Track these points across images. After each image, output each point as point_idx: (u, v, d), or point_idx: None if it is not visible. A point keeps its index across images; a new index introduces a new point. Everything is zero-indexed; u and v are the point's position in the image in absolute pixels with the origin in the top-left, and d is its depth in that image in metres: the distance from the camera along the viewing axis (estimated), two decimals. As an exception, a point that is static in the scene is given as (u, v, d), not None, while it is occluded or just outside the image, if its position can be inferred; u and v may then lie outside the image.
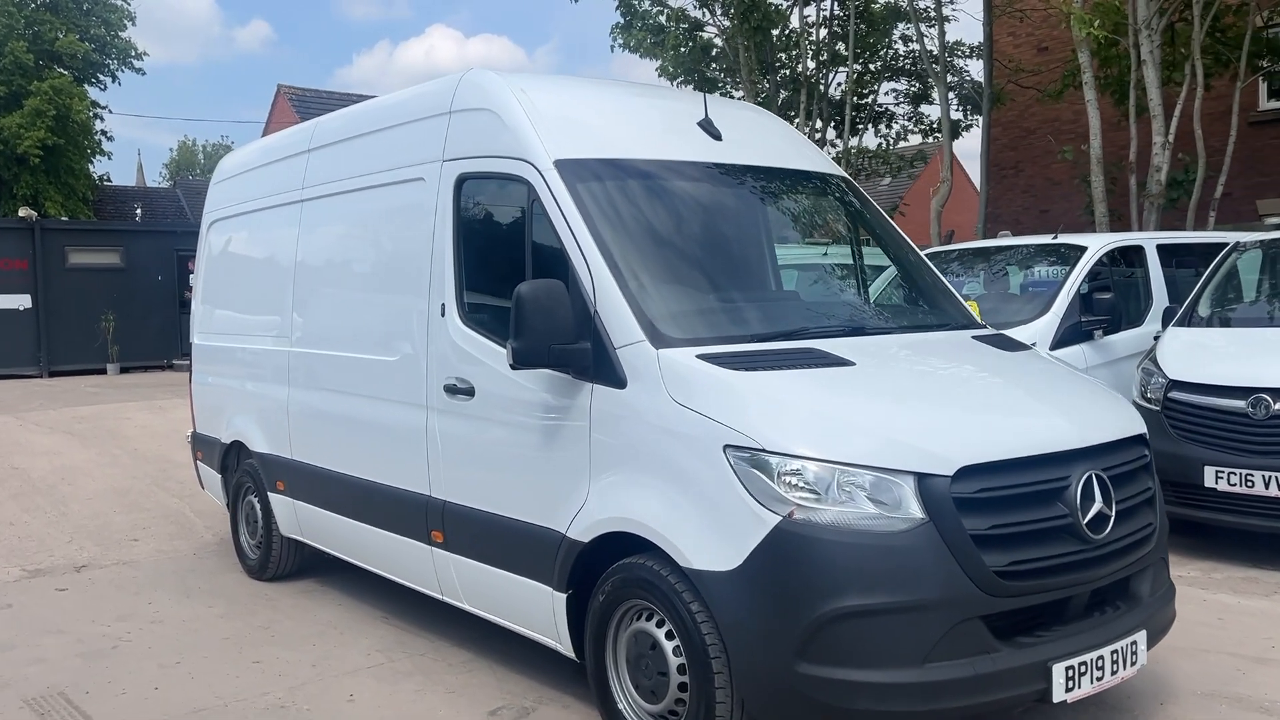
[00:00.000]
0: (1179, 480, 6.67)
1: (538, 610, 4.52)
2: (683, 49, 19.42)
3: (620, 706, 4.18)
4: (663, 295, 4.31)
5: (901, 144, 22.74)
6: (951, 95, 19.08)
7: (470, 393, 4.81)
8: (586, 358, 4.19)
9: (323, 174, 6.30)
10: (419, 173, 5.30)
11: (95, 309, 23.47)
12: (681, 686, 3.90)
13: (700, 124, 5.10)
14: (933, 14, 18.69)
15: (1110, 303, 8.14)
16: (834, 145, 20.96)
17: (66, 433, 14.03)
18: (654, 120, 5.19)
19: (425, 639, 5.65)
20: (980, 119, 19.66)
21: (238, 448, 7.15)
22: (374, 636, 5.75)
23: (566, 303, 4.16)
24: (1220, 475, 6.61)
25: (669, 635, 3.94)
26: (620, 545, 4.09)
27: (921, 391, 4.19)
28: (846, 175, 5.73)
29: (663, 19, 19.78)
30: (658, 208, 4.75)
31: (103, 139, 31.92)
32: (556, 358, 4.20)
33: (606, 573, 4.15)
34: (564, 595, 4.35)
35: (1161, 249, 9.18)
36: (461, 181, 5.04)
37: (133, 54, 31.41)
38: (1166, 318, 8.10)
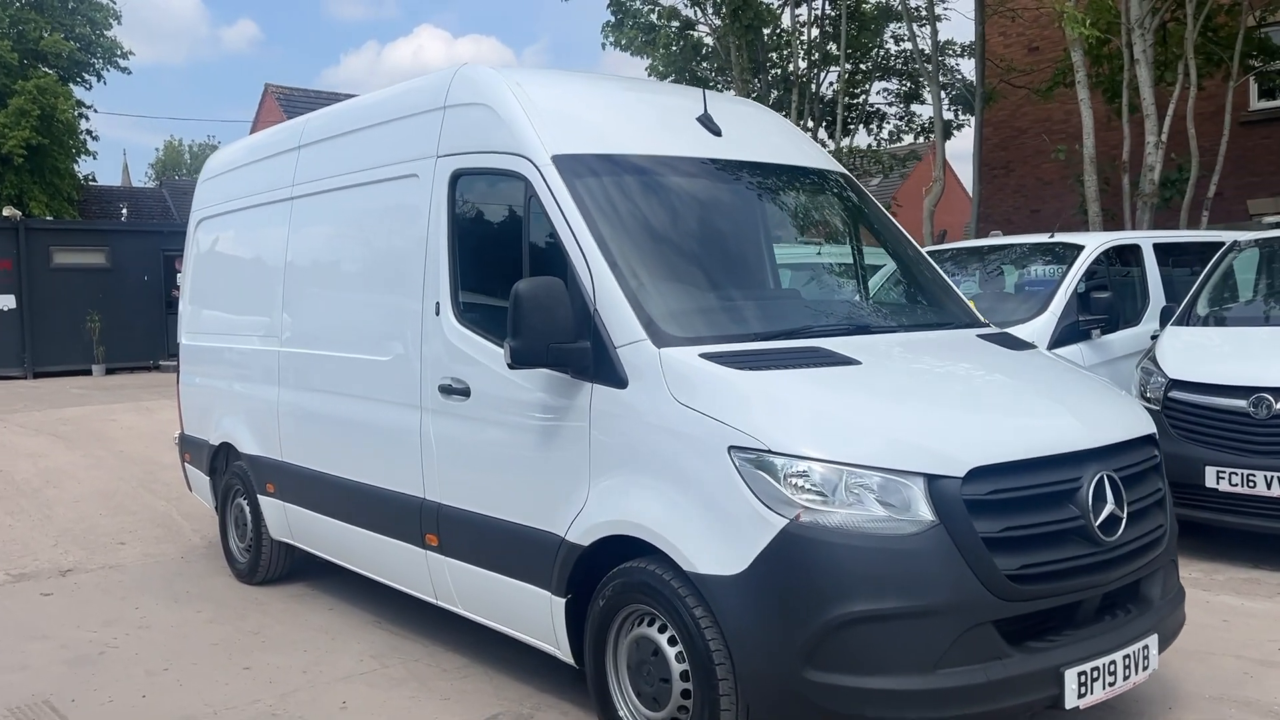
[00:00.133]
0: (1180, 480, 6.54)
1: (535, 615, 4.42)
2: (674, 48, 19.35)
3: (621, 714, 4.08)
4: (664, 293, 4.22)
5: (894, 144, 22.72)
6: (943, 95, 19.04)
7: (466, 393, 4.71)
8: (586, 357, 4.09)
9: (313, 171, 6.19)
10: (412, 169, 5.20)
11: (81, 309, 23.27)
12: (685, 693, 3.81)
13: (699, 119, 5.01)
14: (924, 13, 18.65)
15: (1108, 302, 8.09)
16: (825, 145, 20.90)
17: (51, 434, 13.87)
18: (652, 115, 5.10)
19: (419, 644, 5.55)
20: (971, 119, 19.67)
21: (226, 449, 7.03)
22: (366, 642, 5.64)
23: (566, 301, 4.07)
24: (1222, 475, 6.55)
25: (671, 641, 3.85)
26: (621, 549, 4.00)
27: (929, 391, 4.11)
28: (847, 172, 5.65)
29: (654, 17, 19.70)
30: (657, 204, 4.66)
31: (88, 138, 31.70)
32: (555, 357, 4.11)
33: (607, 577, 4.05)
34: (563, 600, 4.25)
35: (1158, 248, 9.14)
36: (456, 178, 4.94)
37: (118, 53, 31.20)
38: (1165, 317, 8.05)
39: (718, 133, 5.00)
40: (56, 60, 29.12)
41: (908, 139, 22.97)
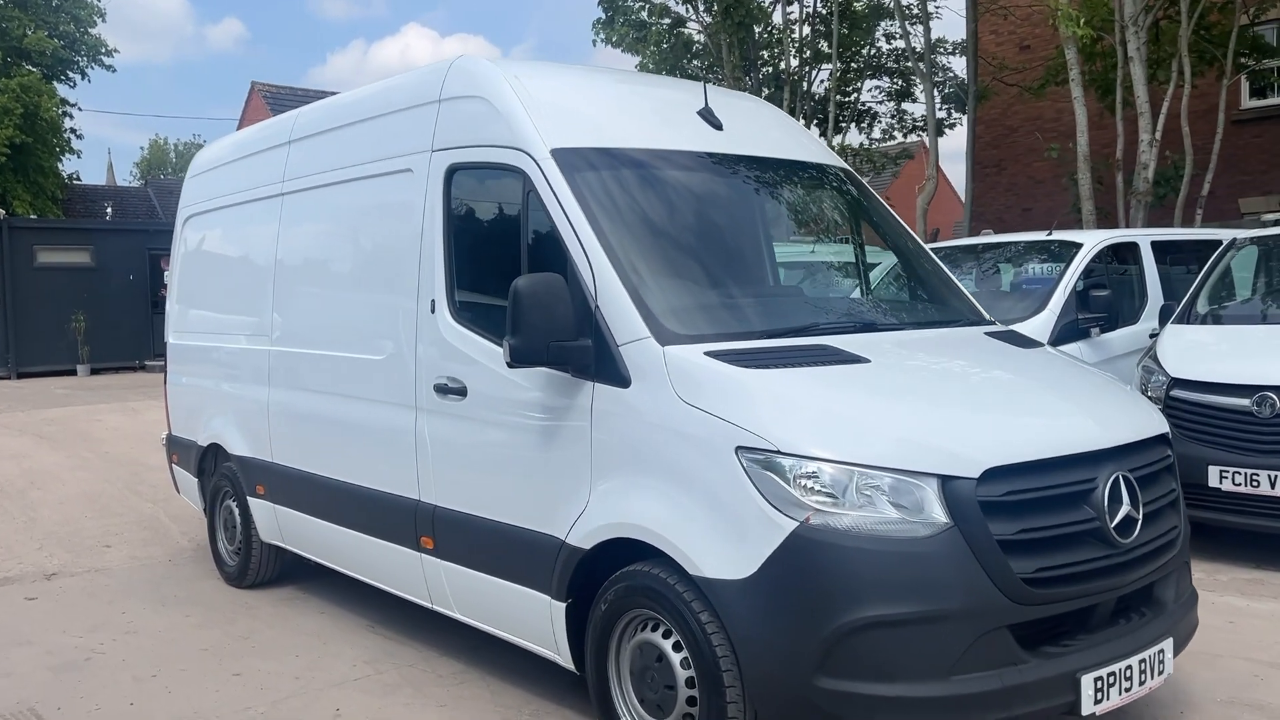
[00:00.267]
0: (1182, 480, 6.49)
1: (535, 620, 4.32)
2: (664, 45, 19.26)
3: (624, 722, 3.98)
4: (667, 290, 4.12)
5: (887, 142, 22.68)
6: (935, 93, 19.00)
7: (462, 392, 4.60)
8: (587, 355, 3.99)
9: (304, 166, 6.07)
10: (406, 164, 5.09)
11: (65, 309, 23.06)
12: (690, 700, 3.71)
13: (700, 113, 4.92)
14: (916, 11, 18.60)
15: (1107, 300, 8.04)
16: (817, 143, 20.81)
17: (35, 435, 13.70)
18: (652, 109, 4.99)
19: (413, 649, 5.44)
20: (962, 116, 19.62)
21: (215, 450, 6.90)
22: (360, 647, 5.53)
23: (566, 298, 3.96)
24: (1225, 475, 6.48)
25: (676, 647, 3.74)
26: (623, 552, 3.90)
27: (941, 390, 4.01)
28: (848, 167, 5.56)
29: (645, 14, 19.61)
30: (659, 199, 4.56)
31: (72, 137, 31.48)
32: (555, 355, 4.00)
33: (609, 581, 3.95)
34: (563, 604, 4.15)
35: (1156, 246, 9.09)
36: (452, 172, 4.83)
37: (103, 50, 30.98)
38: (1164, 315, 7.99)
39: (719, 127, 4.90)
40: (40, 58, 28.89)
41: (899, 137, 22.94)
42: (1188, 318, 7.65)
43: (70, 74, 30.86)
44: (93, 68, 31.14)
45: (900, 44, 20.48)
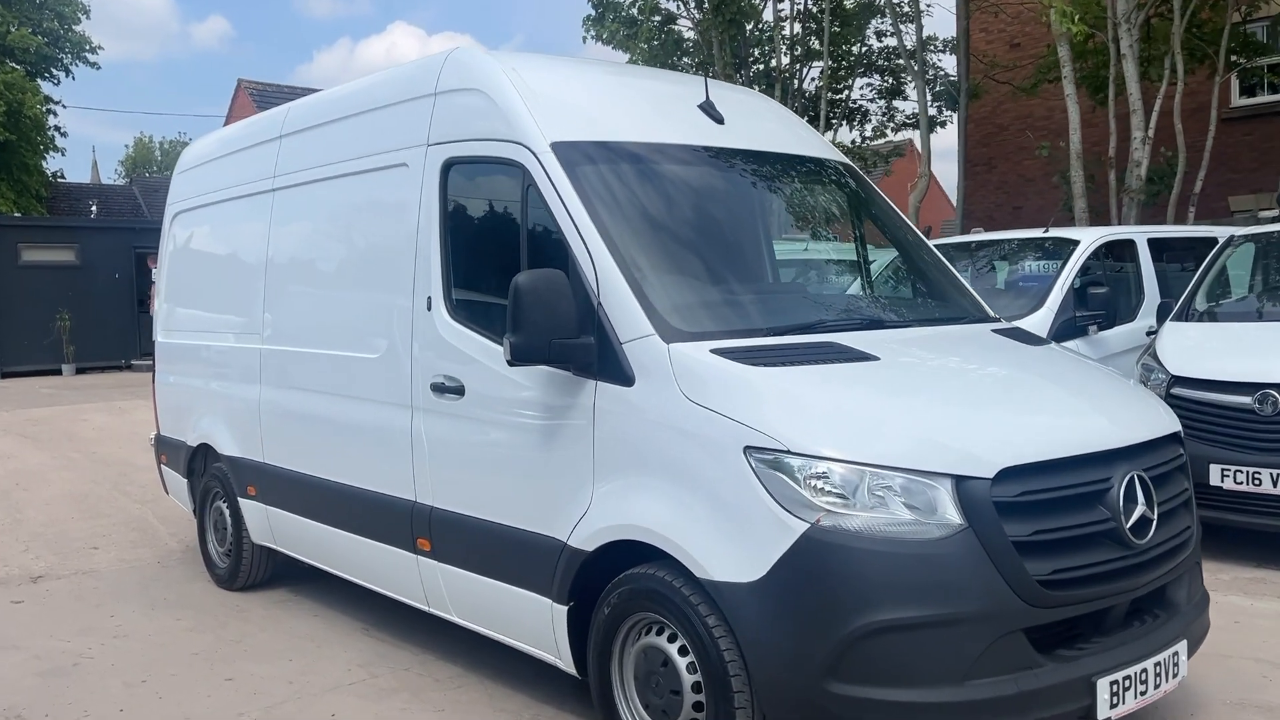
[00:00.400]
0: (1185, 478, 6.49)
1: (535, 623, 4.23)
2: (655, 42, 19.17)
3: (628, 727, 3.89)
4: (671, 286, 4.04)
5: (878, 140, 22.65)
6: (927, 91, 18.95)
7: (460, 391, 4.51)
8: (590, 353, 3.90)
9: (296, 161, 5.96)
10: (401, 158, 4.99)
11: (50, 307, 22.86)
12: (697, 706, 3.63)
13: (701, 107, 4.83)
14: (908, 8, 18.56)
15: (1105, 297, 7.99)
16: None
17: (20, 435, 13.54)
18: (652, 102, 4.91)
19: (409, 653, 5.34)
20: (953, 114, 19.60)
21: (205, 450, 6.79)
22: (354, 650, 5.43)
23: (568, 294, 3.87)
24: (1226, 473, 6.43)
25: (682, 651, 3.66)
26: (627, 554, 3.81)
27: (952, 388, 3.94)
28: (850, 163, 5.48)
29: (635, 11, 19.52)
30: (662, 194, 4.47)
31: (56, 134, 31.23)
32: (557, 353, 3.91)
33: (612, 584, 3.86)
34: (564, 608, 4.06)
35: (1152, 243, 9.05)
36: (448, 167, 4.73)
37: (87, 47, 30.75)
38: (1162, 312, 7.94)
39: (720, 121, 4.82)
40: (24, 55, 28.65)
41: (890, 134, 22.90)
42: (1186, 315, 7.61)
43: (54, 71, 30.63)
44: (77, 65, 30.99)
45: (891, 41, 20.44)
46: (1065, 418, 3.83)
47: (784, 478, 3.36)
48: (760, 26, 21.01)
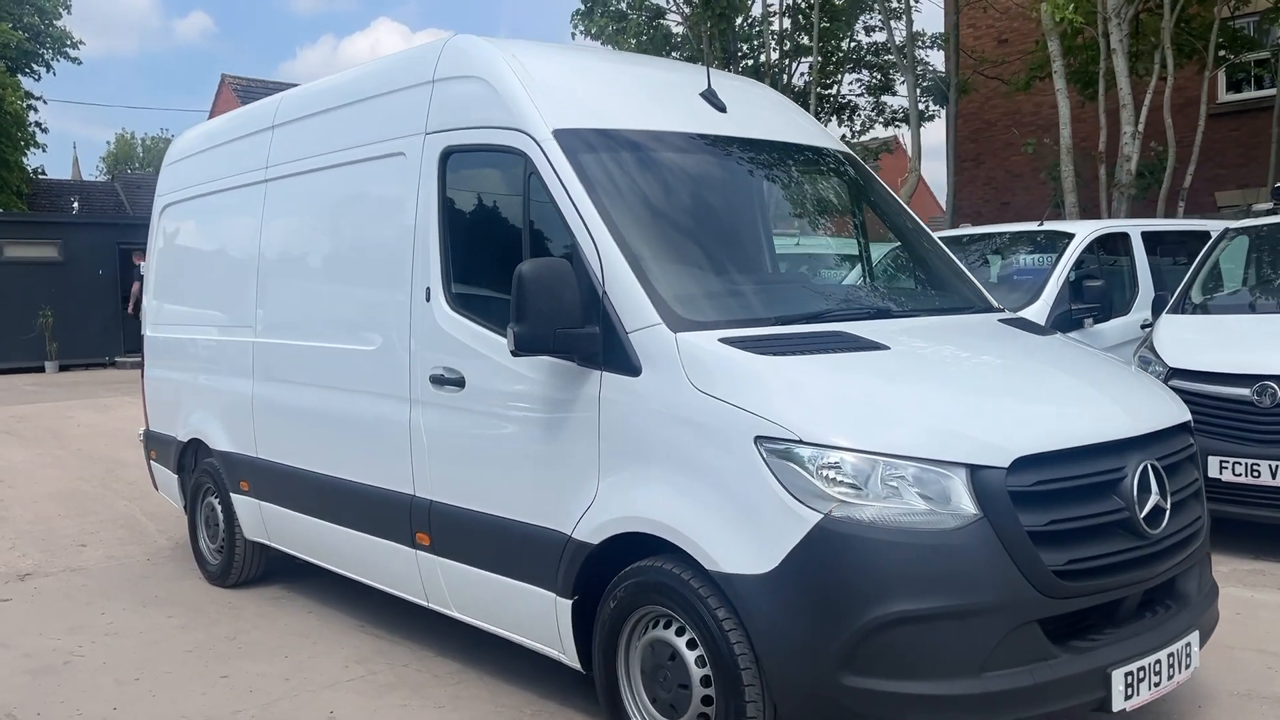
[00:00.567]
0: (1183, 471, 6.47)
1: (538, 618, 4.16)
2: (644, 37, 19.10)
3: (635, 722, 3.83)
4: (678, 275, 3.98)
5: (867, 135, 22.63)
6: (916, 86, 18.95)
7: (460, 383, 4.44)
8: (595, 343, 3.84)
9: (289, 151, 5.88)
10: (398, 147, 4.91)
11: (32, 304, 22.64)
12: (706, 700, 3.57)
13: (703, 95, 4.77)
14: (897, 3, 18.55)
15: (1101, 290, 7.97)
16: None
17: (5, 432, 13.39)
18: (653, 90, 4.84)
19: (407, 648, 5.27)
20: (941, 110, 19.59)
21: (196, 446, 6.70)
22: (351, 646, 5.35)
23: (573, 283, 3.80)
24: (1225, 465, 6.42)
25: (691, 644, 3.60)
26: (633, 547, 3.75)
27: (964, 377, 3.89)
28: (851, 152, 5.44)
29: (624, 6, 19.44)
30: (666, 182, 4.41)
31: (37, 130, 30.92)
32: (561, 343, 3.84)
33: (618, 577, 3.80)
34: (569, 602, 3.99)
35: (1146, 236, 9.05)
36: (447, 155, 4.66)
37: (68, 42, 30.46)
38: (1157, 305, 7.94)
39: (722, 109, 4.76)
40: (4, 50, 28.33)
41: (879, 128, 22.89)
42: (1182, 308, 7.60)
43: (35, 66, 30.33)
44: (58, 60, 30.66)
45: (880, 37, 20.42)
46: (1078, 407, 3.79)
47: (795, 468, 3.30)
48: (749, 21, 20.96)
